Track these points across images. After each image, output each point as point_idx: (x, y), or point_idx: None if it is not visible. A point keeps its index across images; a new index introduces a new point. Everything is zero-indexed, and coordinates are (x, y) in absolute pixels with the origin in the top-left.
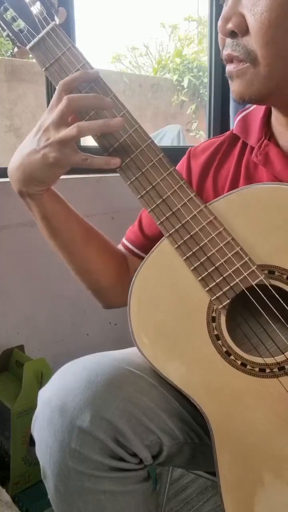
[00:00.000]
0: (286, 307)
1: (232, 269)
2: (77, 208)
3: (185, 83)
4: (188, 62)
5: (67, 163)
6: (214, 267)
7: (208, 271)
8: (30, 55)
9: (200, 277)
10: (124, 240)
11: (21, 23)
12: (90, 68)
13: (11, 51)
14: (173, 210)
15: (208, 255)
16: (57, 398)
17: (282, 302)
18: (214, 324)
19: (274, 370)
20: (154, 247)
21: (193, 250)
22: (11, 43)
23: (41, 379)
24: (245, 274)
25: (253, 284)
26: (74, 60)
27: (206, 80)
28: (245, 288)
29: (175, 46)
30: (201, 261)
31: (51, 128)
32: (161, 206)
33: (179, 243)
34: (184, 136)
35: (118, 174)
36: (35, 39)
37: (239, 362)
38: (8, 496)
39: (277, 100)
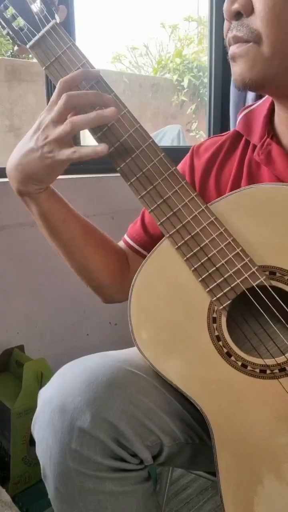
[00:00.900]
0: (286, 308)
1: (233, 270)
2: (77, 208)
3: (185, 83)
4: (188, 62)
5: (64, 161)
6: (214, 267)
7: (209, 272)
8: (30, 54)
9: (201, 278)
10: (125, 237)
11: (21, 21)
12: (90, 67)
13: (11, 51)
14: (174, 211)
15: (209, 256)
16: (57, 398)
17: (281, 303)
18: (215, 325)
19: (275, 371)
20: (155, 247)
21: (194, 251)
22: (11, 41)
23: (41, 379)
24: (246, 275)
25: (254, 285)
26: (75, 58)
27: (206, 80)
28: (246, 289)
29: (175, 46)
30: (201, 261)
31: (50, 126)
32: (162, 206)
33: (179, 244)
34: (184, 136)
35: (118, 174)
36: (36, 38)
37: (239, 363)
38: (8, 496)
39: (278, 90)
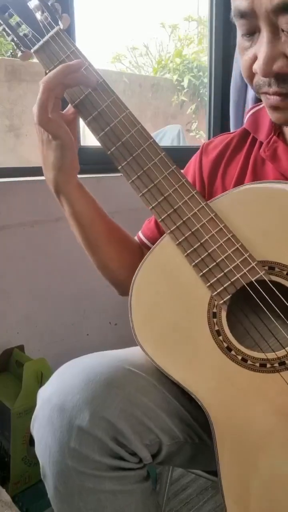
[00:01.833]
0: (286, 302)
1: (233, 265)
2: None
3: (185, 83)
4: (188, 62)
5: (60, 126)
6: (215, 263)
7: (209, 267)
8: (34, 59)
9: (201, 273)
10: (140, 234)
11: (25, 28)
12: (93, 70)
13: (11, 51)
14: (175, 208)
15: (209, 251)
16: (56, 397)
17: (281, 297)
18: (215, 320)
19: (275, 365)
20: (156, 244)
21: (194, 247)
22: (15, 47)
23: (41, 379)
24: (245, 270)
25: (253, 280)
26: None
27: (206, 80)
28: (245, 283)
29: (175, 46)
30: (202, 257)
31: (37, 119)
32: (163, 204)
33: (180, 240)
34: (184, 136)
35: (118, 174)
36: (40, 43)
37: (239, 357)
38: (8, 496)
39: None
